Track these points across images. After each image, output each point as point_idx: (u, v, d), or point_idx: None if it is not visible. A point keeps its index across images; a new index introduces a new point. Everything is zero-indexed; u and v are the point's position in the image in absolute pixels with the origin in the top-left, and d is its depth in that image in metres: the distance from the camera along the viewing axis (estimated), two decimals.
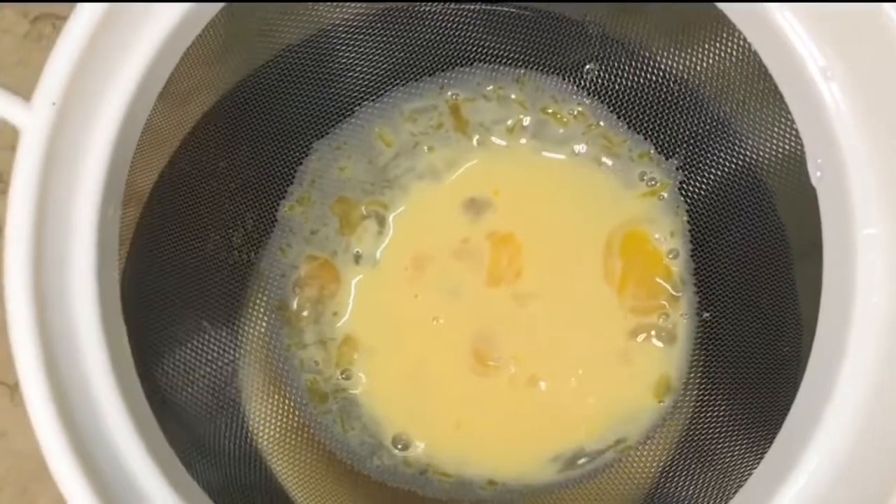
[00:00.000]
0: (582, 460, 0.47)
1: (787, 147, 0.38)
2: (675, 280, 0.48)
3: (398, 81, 0.48)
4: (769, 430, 0.34)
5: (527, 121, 0.49)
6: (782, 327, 0.42)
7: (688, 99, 0.45)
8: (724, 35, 0.39)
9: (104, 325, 0.33)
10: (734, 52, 0.38)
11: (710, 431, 0.44)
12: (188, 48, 0.36)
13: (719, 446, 0.42)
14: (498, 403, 0.47)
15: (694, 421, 0.45)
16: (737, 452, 0.40)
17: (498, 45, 0.47)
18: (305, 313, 0.49)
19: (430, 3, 0.45)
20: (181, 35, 0.35)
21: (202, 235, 0.44)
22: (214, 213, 0.44)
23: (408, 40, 0.46)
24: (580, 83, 0.48)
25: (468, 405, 0.47)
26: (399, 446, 0.47)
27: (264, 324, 0.47)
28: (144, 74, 0.34)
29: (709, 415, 0.45)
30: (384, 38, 0.46)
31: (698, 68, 0.43)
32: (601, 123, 0.49)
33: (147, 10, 0.34)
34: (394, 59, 0.47)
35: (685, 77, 0.44)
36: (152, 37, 0.34)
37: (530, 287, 0.48)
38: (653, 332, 0.47)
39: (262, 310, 0.47)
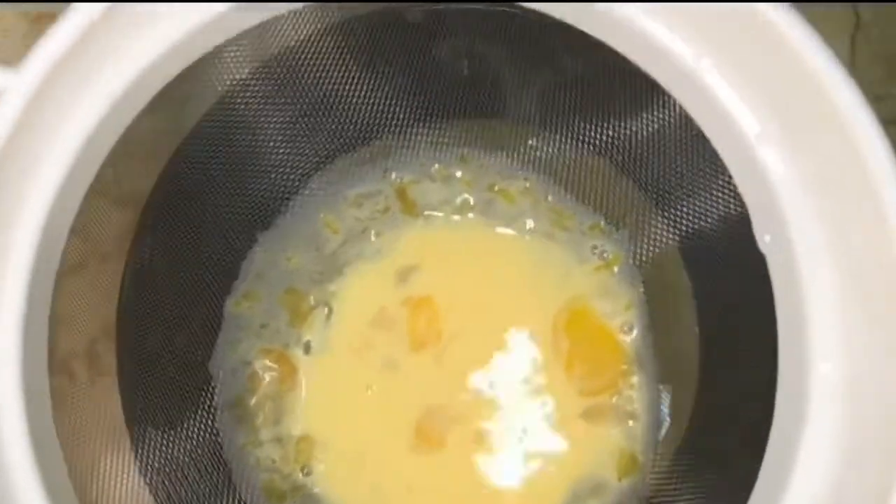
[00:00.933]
0: None
1: (734, 212, 0.37)
2: (630, 354, 0.46)
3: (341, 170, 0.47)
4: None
5: (473, 199, 0.48)
6: (747, 396, 0.40)
7: (632, 168, 0.44)
8: (660, 103, 0.38)
9: (31, 435, 0.31)
10: (671, 120, 0.37)
11: None
12: (112, 148, 0.34)
13: None
14: (452, 484, 0.45)
15: (661, 497, 0.43)
16: None
17: (437, 127, 0.46)
18: (265, 410, 0.46)
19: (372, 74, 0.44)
20: (105, 134, 0.33)
21: (141, 338, 0.41)
22: (155, 315, 0.42)
23: (345, 127, 0.45)
24: (524, 159, 0.47)
25: (425, 490, 0.45)
26: None
27: (216, 424, 0.45)
28: (69, 172, 0.32)
29: (677, 490, 0.43)
30: (318, 127, 0.45)
31: (639, 137, 0.42)
32: (549, 198, 0.47)
33: (68, 108, 0.32)
34: (333, 147, 0.46)
35: (627, 147, 0.43)
36: (75, 134, 0.32)
37: (470, 358, 0.46)
38: (609, 410, 0.45)
39: (212, 410, 0.45)
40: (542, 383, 0.46)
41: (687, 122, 0.34)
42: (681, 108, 0.34)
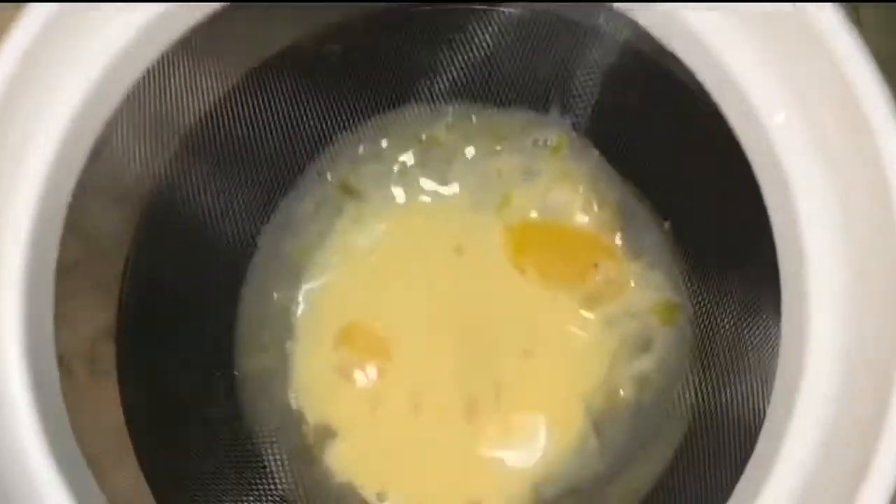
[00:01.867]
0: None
1: None
2: (595, 227, 0.45)
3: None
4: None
5: (410, 160, 0.47)
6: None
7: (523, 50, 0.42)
8: None
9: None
10: None
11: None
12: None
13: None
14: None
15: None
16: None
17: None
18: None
19: None
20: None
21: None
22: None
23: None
24: (431, 98, 0.45)
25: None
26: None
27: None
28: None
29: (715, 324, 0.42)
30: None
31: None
32: (473, 119, 0.46)
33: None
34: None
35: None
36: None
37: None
38: (603, 287, 0.44)
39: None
40: (532, 306, 0.45)
41: None
42: None
